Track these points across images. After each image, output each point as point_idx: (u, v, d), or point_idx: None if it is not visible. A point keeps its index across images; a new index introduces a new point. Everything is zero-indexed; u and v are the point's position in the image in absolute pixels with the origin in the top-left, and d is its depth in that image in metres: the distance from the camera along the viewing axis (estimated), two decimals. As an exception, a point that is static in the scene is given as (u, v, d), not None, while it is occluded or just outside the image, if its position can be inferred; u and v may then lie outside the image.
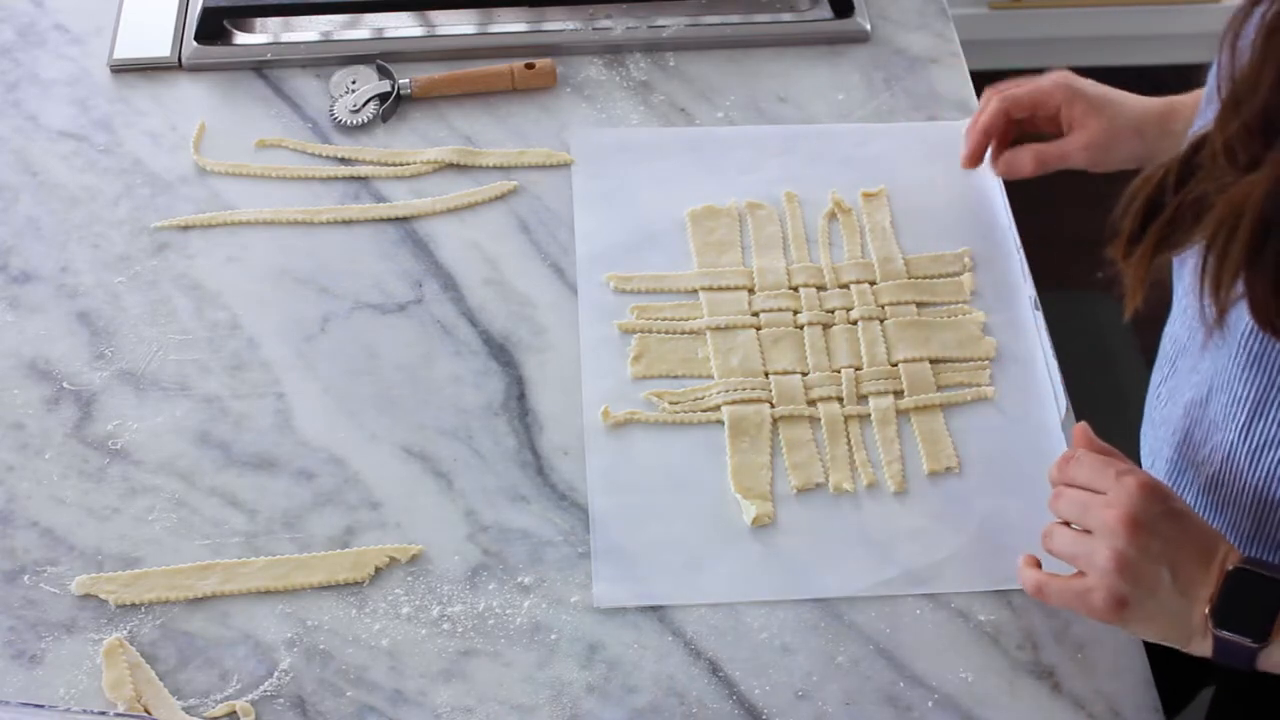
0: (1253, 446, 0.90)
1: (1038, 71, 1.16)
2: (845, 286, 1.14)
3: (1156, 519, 0.84)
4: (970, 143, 1.17)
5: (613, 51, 1.31)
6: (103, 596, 0.96)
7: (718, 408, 1.06)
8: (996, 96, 1.16)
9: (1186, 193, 0.83)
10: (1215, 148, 0.79)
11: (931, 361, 1.09)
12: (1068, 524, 0.89)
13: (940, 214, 1.19)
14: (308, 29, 1.32)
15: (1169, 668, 0.99)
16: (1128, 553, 0.84)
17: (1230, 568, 0.83)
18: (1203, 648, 0.84)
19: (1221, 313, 0.78)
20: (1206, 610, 0.83)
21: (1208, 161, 0.81)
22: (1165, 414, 1.02)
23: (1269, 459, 0.90)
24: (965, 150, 1.18)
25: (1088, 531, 0.86)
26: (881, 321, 1.11)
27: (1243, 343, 0.87)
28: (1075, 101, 1.12)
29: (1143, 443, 1.08)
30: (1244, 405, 0.89)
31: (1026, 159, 1.14)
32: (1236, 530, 0.96)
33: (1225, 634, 0.82)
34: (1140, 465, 1.04)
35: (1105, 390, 1.31)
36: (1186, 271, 0.92)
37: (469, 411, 1.06)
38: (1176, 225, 0.83)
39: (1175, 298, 1.00)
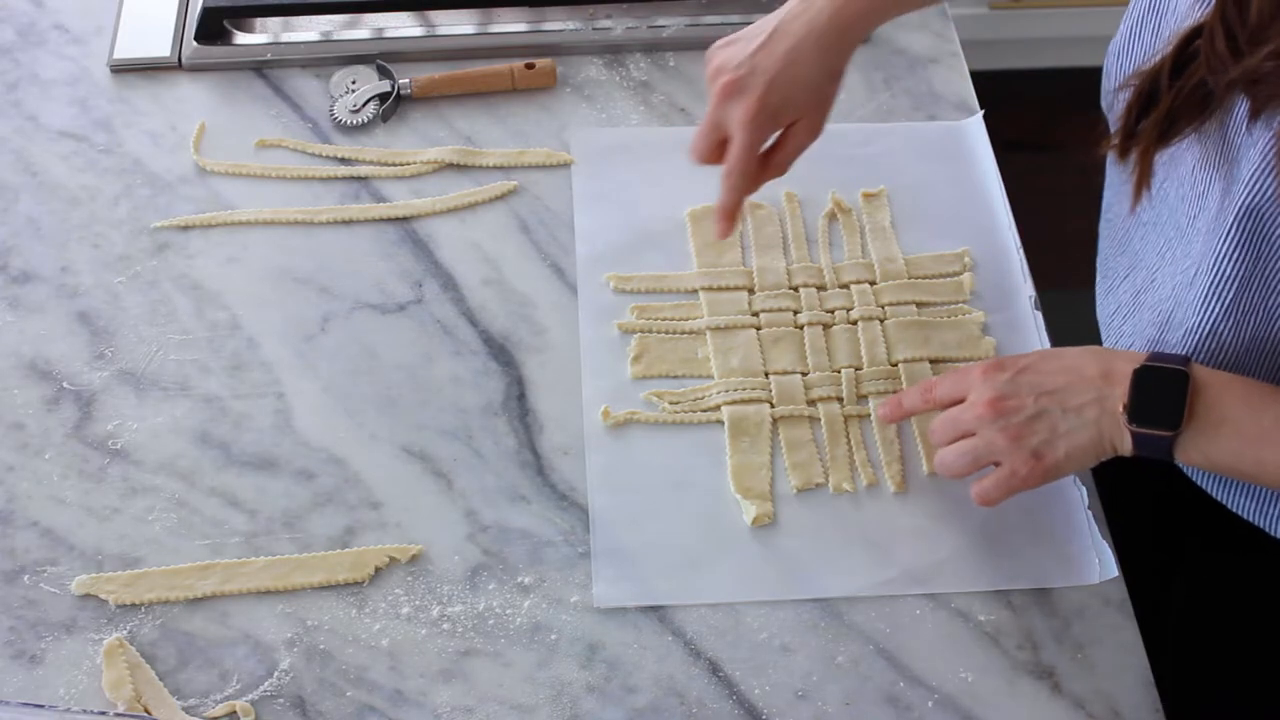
0: (1236, 319, 0.91)
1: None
2: (845, 286, 1.14)
3: (1012, 382, 0.92)
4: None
5: (613, 51, 1.31)
6: (103, 596, 0.96)
7: (718, 408, 1.06)
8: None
9: (1184, 82, 0.85)
10: (1215, 37, 0.81)
11: (931, 361, 1.09)
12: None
13: (940, 214, 1.19)
14: (308, 29, 1.32)
15: None
16: (1008, 424, 0.91)
17: (1136, 367, 0.89)
18: (1125, 449, 0.90)
19: None
20: (1121, 410, 0.88)
21: (1205, 50, 0.83)
22: (1139, 301, 1.02)
23: (1251, 324, 0.91)
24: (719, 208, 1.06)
25: (974, 434, 0.93)
26: (881, 321, 1.11)
27: (1238, 219, 0.88)
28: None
29: (1106, 332, 1.07)
30: (1231, 283, 0.90)
31: (776, 171, 1.05)
32: None
33: (1143, 429, 0.88)
34: None
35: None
36: (1188, 157, 0.92)
37: (469, 411, 1.06)
38: (1178, 115, 0.86)
39: (1122, 179, 0.99)
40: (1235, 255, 0.89)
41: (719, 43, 1.05)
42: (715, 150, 1.05)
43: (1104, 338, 1.07)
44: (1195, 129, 0.87)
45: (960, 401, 0.95)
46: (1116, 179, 1.04)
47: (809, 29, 1.00)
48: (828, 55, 1.01)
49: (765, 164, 1.05)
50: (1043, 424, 0.91)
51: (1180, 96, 0.86)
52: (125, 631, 0.95)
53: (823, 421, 1.06)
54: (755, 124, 1.01)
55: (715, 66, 1.03)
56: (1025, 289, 1.14)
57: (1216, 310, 0.92)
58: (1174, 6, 0.93)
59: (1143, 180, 0.91)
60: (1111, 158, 0.99)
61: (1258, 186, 0.86)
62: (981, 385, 0.94)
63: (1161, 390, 0.88)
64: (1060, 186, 2.02)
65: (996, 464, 0.93)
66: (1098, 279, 1.08)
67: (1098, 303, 1.08)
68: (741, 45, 1.02)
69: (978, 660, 0.94)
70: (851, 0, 1.00)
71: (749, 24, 1.31)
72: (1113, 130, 0.93)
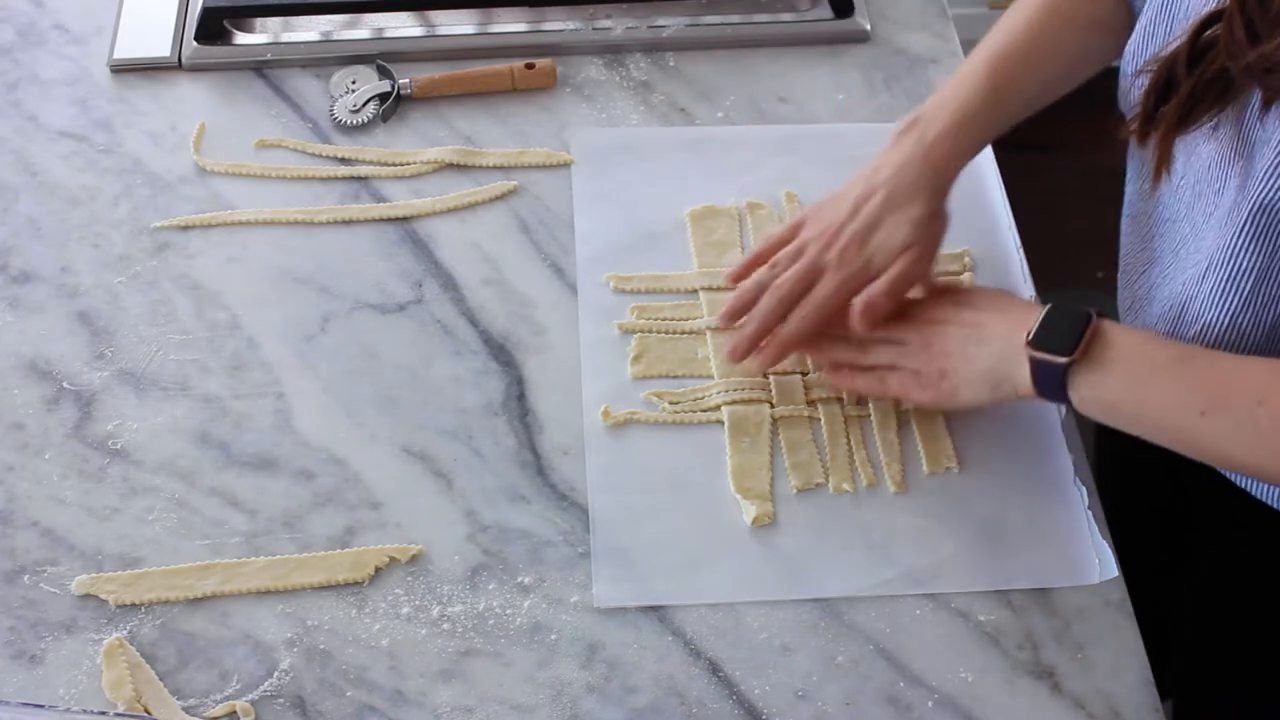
0: (1257, 309, 0.92)
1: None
2: (845, 286, 1.13)
3: (954, 309, 1.00)
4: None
5: (613, 51, 1.31)
6: (103, 596, 0.96)
7: (718, 408, 1.06)
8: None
9: (1204, 70, 0.86)
10: (1234, 24, 0.82)
11: (931, 361, 1.09)
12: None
13: (940, 214, 1.19)
14: (308, 29, 1.32)
15: None
16: (933, 339, 0.99)
17: (1049, 307, 0.93)
18: (1023, 383, 0.94)
19: None
20: (1025, 338, 0.93)
21: (1224, 37, 0.84)
22: (1152, 294, 1.02)
23: (1272, 313, 0.92)
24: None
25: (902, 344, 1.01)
26: (881, 321, 1.11)
27: (1252, 215, 0.89)
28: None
29: (1125, 323, 1.07)
30: (1249, 276, 0.91)
31: (886, 307, 1.02)
32: None
33: (1039, 354, 0.92)
34: None
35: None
36: (1205, 152, 0.93)
37: (469, 411, 1.06)
38: (1198, 101, 0.88)
39: (1143, 174, 0.99)
40: (1251, 249, 0.90)
41: (814, 205, 1.07)
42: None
43: None
44: (1214, 115, 0.88)
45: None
46: (1136, 174, 1.04)
47: (902, 169, 1.03)
48: (926, 194, 1.02)
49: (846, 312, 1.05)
50: (957, 347, 0.98)
51: (1201, 82, 0.87)
52: (125, 631, 0.95)
53: (823, 421, 1.05)
54: (852, 260, 1.01)
55: (816, 214, 1.06)
56: (1025, 289, 1.14)
57: (1235, 302, 0.92)
58: (1186, 4, 0.93)
59: (1162, 163, 0.92)
60: (1131, 153, 1.00)
61: (1272, 182, 0.86)
62: (926, 306, 1.02)
63: (1064, 324, 0.92)
64: (1060, 186, 2.02)
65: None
66: (1119, 273, 1.08)
67: (1118, 296, 1.09)
68: (840, 199, 1.04)
69: (978, 660, 0.94)
70: (940, 140, 1.02)
71: (749, 24, 1.32)
72: (1129, 117, 0.94)
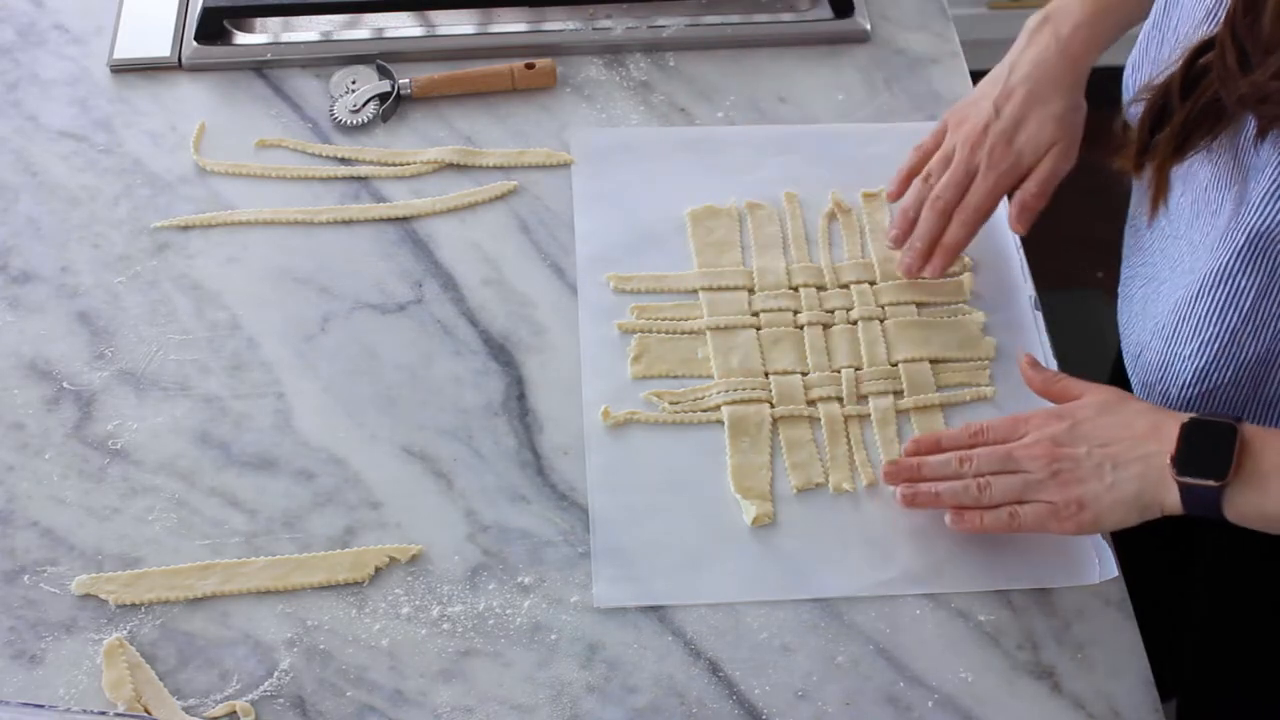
0: (1257, 324, 0.91)
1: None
2: (845, 286, 1.14)
3: (1070, 431, 0.92)
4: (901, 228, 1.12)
5: (613, 51, 1.31)
6: (103, 596, 0.96)
7: (718, 408, 1.06)
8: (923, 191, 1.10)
9: (1197, 98, 0.86)
10: (1226, 52, 0.82)
11: (931, 361, 1.09)
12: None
13: (940, 214, 1.19)
14: (308, 29, 1.32)
15: None
16: (1061, 468, 0.91)
17: (1185, 421, 0.89)
18: (1172, 505, 0.88)
19: None
20: (1169, 462, 0.88)
21: (1217, 66, 0.83)
22: (1146, 310, 1.02)
23: (1274, 326, 0.91)
24: (897, 232, 1.12)
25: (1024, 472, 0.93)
26: (881, 321, 1.11)
27: (1247, 241, 0.88)
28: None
29: (1124, 338, 1.08)
30: (1248, 294, 0.90)
31: (1038, 207, 1.09)
32: (1230, 404, 0.97)
33: (1188, 480, 0.87)
34: (1125, 361, 1.07)
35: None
36: (1202, 173, 0.93)
37: (469, 411, 1.06)
38: (1192, 130, 0.87)
39: (1150, 209, 0.99)
40: (1249, 269, 0.89)
41: (953, 109, 1.12)
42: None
43: (1123, 346, 1.07)
44: (1209, 144, 0.87)
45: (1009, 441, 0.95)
46: (1139, 188, 1.04)
47: (1040, 64, 1.05)
48: (1065, 88, 1.05)
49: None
50: (1092, 474, 0.91)
51: (1194, 111, 0.86)
52: (125, 631, 0.95)
53: (823, 421, 1.05)
54: (1002, 159, 1.06)
55: (959, 118, 1.09)
56: (1025, 289, 1.14)
57: (1235, 319, 0.92)
58: (1174, 23, 0.93)
59: (1159, 194, 0.91)
60: (1136, 186, 0.99)
61: (1267, 210, 0.86)
62: (1043, 427, 0.94)
63: (1209, 442, 0.87)
64: (1060, 186, 2.02)
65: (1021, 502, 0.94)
66: (1119, 285, 1.08)
67: (1118, 311, 1.08)
68: (980, 101, 1.08)
69: (978, 660, 0.94)
70: (1076, 31, 1.04)
71: (749, 24, 1.32)
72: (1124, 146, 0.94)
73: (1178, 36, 0.91)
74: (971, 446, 0.96)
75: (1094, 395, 0.95)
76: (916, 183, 1.11)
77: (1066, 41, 1.05)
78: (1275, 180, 0.85)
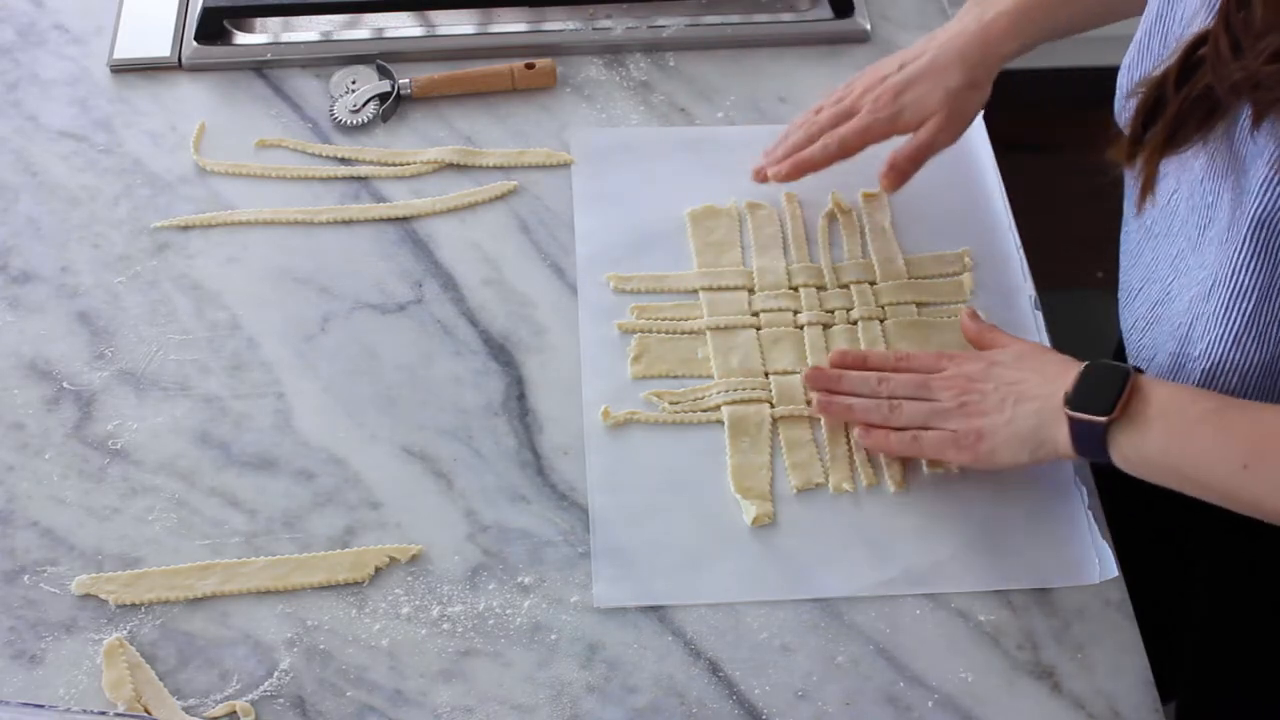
0: (1260, 328, 0.92)
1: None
2: (845, 287, 1.14)
3: (985, 371, 0.98)
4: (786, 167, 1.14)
5: (613, 51, 1.31)
6: (103, 596, 0.96)
7: (718, 408, 1.06)
8: (832, 144, 1.13)
9: (1190, 90, 0.86)
10: (1220, 41, 0.82)
11: (931, 361, 1.09)
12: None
13: (940, 214, 1.19)
14: (308, 29, 1.32)
15: None
16: (968, 399, 0.97)
17: (1086, 364, 0.93)
18: (1063, 443, 0.92)
19: None
20: (1062, 399, 0.92)
21: (1210, 55, 0.83)
22: (1156, 314, 1.02)
23: (1276, 332, 0.92)
24: (780, 169, 1.14)
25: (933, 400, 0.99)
26: (882, 321, 1.11)
27: (1251, 230, 0.89)
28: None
29: (1130, 347, 1.08)
30: (1250, 295, 0.91)
31: (906, 170, 1.12)
32: None
33: (1078, 414, 0.91)
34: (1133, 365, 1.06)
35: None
36: (1196, 166, 0.93)
37: (469, 411, 1.06)
38: (1184, 122, 0.88)
39: (1141, 207, 1.00)
40: (1251, 267, 0.89)
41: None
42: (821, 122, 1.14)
43: (1127, 350, 1.07)
44: (1202, 136, 0.88)
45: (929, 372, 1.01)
46: (1130, 184, 1.04)
47: (955, 37, 1.10)
48: (969, 65, 1.09)
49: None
50: (995, 408, 0.96)
51: (1186, 103, 0.86)
52: (125, 631, 0.95)
53: (822, 421, 1.05)
54: (884, 108, 1.10)
55: (866, 71, 1.14)
56: (1025, 289, 1.14)
57: (1238, 322, 0.92)
58: (1180, 17, 0.93)
59: (1148, 186, 0.91)
60: (1129, 180, 1.00)
61: (1267, 197, 0.86)
62: (962, 364, 1.00)
63: (1102, 381, 0.91)
64: (1060, 186, 2.02)
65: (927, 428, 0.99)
66: (1119, 292, 1.08)
67: (1120, 315, 1.08)
68: (895, 56, 1.14)
69: (978, 660, 0.94)
70: (999, 17, 1.08)
71: (749, 24, 1.32)
72: (1118, 137, 0.94)
73: (1179, 34, 0.92)
74: (894, 370, 1.02)
75: (1017, 346, 1.01)
76: (808, 113, 1.16)
77: (987, 24, 1.09)
78: (1273, 166, 0.85)
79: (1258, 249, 0.89)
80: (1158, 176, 0.91)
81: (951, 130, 1.11)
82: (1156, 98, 0.89)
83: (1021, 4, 1.09)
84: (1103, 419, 0.90)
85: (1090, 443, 0.91)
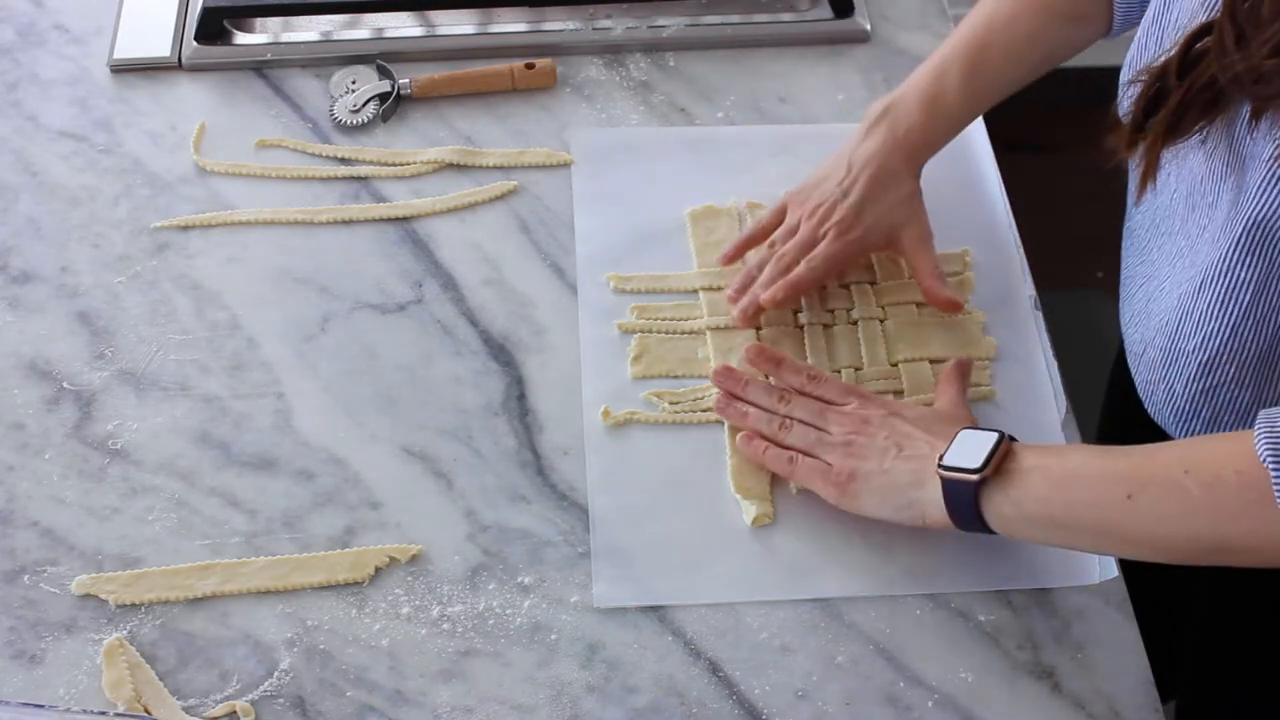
0: (1258, 318, 0.92)
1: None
2: (845, 286, 1.14)
3: (883, 419, 0.97)
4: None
5: (613, 51, 1.31)
6: (103, 596, 0.96)
7: (718, 408, 1.06)
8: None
9: (1193, 80, 0.86)
10: (1225, 33, 0.82)
11: (932, 361, 1.09)
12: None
13: (940, 214, 1.18)
14: (308, 29, 1.32)
15: None
16: (855, 440, 0.97)
17: (961, 429, 0.93)
18: (936, 503, 0.92)
19: None
20: (938, 460, 0.92)
21: (1214, 48, 0.83)
22: (1149, 309, 1.03)
23: (1275, 319, 0.92)
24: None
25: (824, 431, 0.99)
26: (882, 321, 1.11)
27: (1246, 231, 0.89)
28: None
29: (1126, 338, 1.08)
30: (1247, 287, 0.91)
31: (940, 287, 1.10)
32: (1234, 406, 0.98)
33: (948, 472, 0.90)
34: (1129, 360, 1.08)
35: (1105, 390, 1.31)
36: (1197, 165, 0.94)
37: (469, 411, 1.06)
38: (1186, 112, 0.87)
39: (1140, 197, 1.00)
40: (1248, 262, 0.89)
41: (793, 191, 1.14)
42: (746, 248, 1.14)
43: (1125, 345, 1.08)
44: (1203, 127, 0.88)
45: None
46: (1132, 179, 1.04)
47: (880, 149, 1.10)
48: (904, 176, 1.10)
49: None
50: (875, 456, 0.96)
51: (1190, 93, 0.86)
52: (125, 631, 0.95)
53: (823, 421, 1.05)
54: (850, 230, 1.09)
55: (802, 197, 1.12)
56: (1025, 289, 1.14)
57: (1235, 313, 0.92)
58: (1175, 19, 0.93)
59: (1148, 174, 0.91)
60: (1132, 170, 1.00)
61: (1265, 199, 0.86)
62: (866, 405, 1.00)
63: (975, 445, 0.91)
64: (1060, 186, 2.02)
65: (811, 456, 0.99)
66: (1120, 287, 1.09)
67: (1120, 310, 1.09)
68: (824, 184, 1.11)
69: (978, 660, 0.94)
70: (909, 135, 1.10)
71: (749, 24, 1.32)
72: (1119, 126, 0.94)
73: (1177, 30, 0.92)
74: (801, 390, 1.02)
75: (940, 404, 1.01)
76: (762, 248, 1.13)
77: (900, 140, 1.10)
78: (1271, 168, 0.85)
79: (1253, 248, 0.89)
80: (1158, 165, 0.91)
81: (927, 230, 1.11)
82: (1159, 88, 0.89)
83: (929, 114, 1.10)
84: (974, 476, 0.89)
85: (962, 502, 0.90)
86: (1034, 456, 0.90)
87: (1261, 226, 0.87)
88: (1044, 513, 0.88)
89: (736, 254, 1.14)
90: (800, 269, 1.08)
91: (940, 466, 0.91)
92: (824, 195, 1.10)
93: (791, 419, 1.01)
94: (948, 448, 0.92)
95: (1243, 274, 0.90)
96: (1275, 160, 0.84)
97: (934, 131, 1.11)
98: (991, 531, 0.90)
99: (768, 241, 1.12)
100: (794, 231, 1.10)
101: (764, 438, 1.01)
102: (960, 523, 0.91)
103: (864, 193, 1.09)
